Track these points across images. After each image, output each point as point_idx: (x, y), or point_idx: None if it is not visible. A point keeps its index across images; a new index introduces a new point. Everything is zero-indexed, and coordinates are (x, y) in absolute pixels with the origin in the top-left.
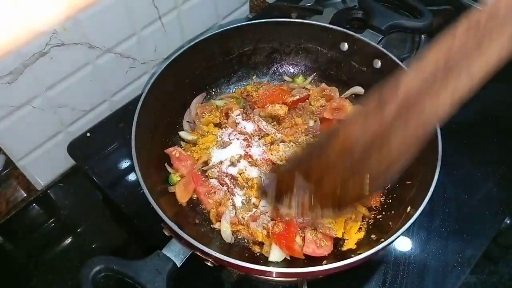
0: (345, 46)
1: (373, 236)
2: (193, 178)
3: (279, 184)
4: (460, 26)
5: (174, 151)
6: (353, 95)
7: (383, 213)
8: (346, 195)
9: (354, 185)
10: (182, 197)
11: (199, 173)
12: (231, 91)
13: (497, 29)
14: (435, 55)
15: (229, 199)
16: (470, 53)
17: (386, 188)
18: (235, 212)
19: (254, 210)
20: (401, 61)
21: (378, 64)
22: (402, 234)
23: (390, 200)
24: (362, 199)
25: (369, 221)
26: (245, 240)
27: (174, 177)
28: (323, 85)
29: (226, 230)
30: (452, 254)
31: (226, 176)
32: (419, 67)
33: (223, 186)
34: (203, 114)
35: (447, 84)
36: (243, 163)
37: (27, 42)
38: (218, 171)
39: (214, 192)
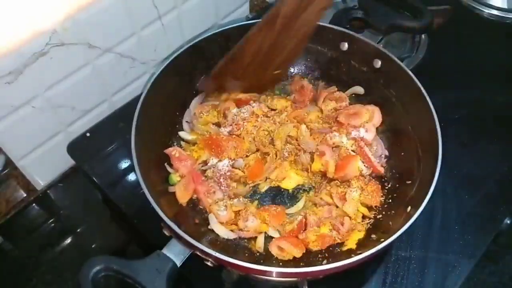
0: (345, 45)
1: (373, 236)
2: (193, 178)
3: (215, 81)
4: None
5: (173, 151)
6: (353, 95)
7: (383, 213)
8: (263, 80)
9: (265, 75)
10: (182, 197)
11: (199, 172)
12: None
13: None
14: None
15: (223, 199)
16: None
17: (387, 188)
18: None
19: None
20: (401, 61)
21: (378, 63)
22: (402, 234)
23: (390, 200)
24: (273, 81)
25: (369, 221)
26: (245, 240)
27: (174, 177)
28: (333, 87)
29: (219, 229)
30: (452, 254)
31: (221, 176)
32: None
33: (219, 186)
34: (201, 114)
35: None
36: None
37: (27, 42)
38: (214, 171)
39: (214, 192)
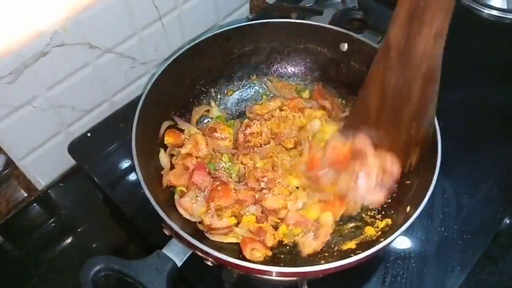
0: (345, 46)
1: (373, 236)
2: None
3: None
4: None
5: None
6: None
7: (383, 213)
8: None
9: (403, 135)
10: (175, 180)
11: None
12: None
13: None
14: (403, 6)
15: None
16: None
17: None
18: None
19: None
20: None
21: None
22: (402, 234)
23: (389, 200)
24: (418, 145)
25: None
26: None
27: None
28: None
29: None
30: (452, 254)
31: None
32: (395, 21)
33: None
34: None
35: (424, 24)
36: None
37: (27, 42)
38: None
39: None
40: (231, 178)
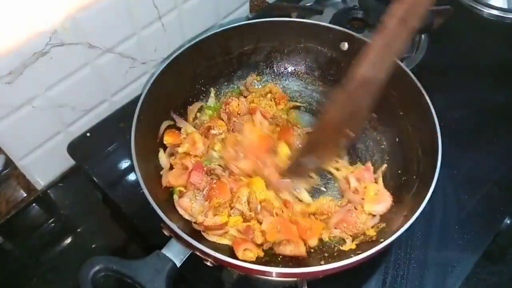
0: (345, 45)
1: (373, 236)
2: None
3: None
4: (389, 19)
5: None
6: None
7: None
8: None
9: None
10: (174, 180)
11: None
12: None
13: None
14: (376, 43)
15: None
16: (399, 31)
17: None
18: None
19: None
20: (401, 61)
21: None
22: (402, 234)
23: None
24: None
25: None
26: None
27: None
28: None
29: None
30: (452, 254)
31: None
32: (367, 56)
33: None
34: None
35: (390, 53)
36: None
37: (27, 42)
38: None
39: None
40: (225, 172)
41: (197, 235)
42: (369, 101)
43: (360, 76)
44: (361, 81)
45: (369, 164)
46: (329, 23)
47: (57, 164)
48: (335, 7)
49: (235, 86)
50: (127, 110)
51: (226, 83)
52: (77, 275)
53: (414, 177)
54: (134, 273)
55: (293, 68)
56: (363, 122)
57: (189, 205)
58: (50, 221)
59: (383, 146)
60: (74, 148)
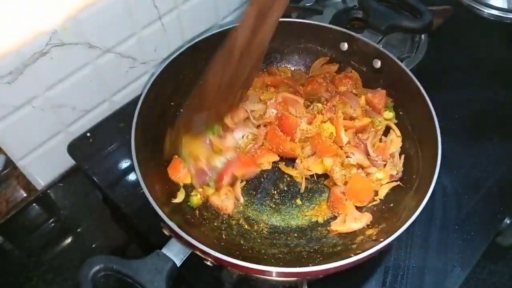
0: (345, 46)
1: (373, 236)
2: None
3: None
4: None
5: None
6: None
7: (383, 213)
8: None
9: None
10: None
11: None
12: None
13: None
14: (251, 11)
15: None
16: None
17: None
18: None
19: None
20: (401, 61)
21: (378, 64)
22: (402, 234)
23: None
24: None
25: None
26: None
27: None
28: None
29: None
30: (452, 254)
31: None
32: (242, 23)
33: None
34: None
35: (265, 22)
36: None
37: (27, 42)
38: None
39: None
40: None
41: (197, 234)
42: (254, 64)
43: (238, 42)
44: (239, 46)
45: None
46: (329, 23)
47: (57, 164)
48: (335, 7)
49: None
50: (127, 110)
51: None
52: (77, 275)
53: (414, 177)
54: (134, 272)
55: (293, 68)
56: (250, 85)
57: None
58: (50, 221)
59: None
60: (74, 148)
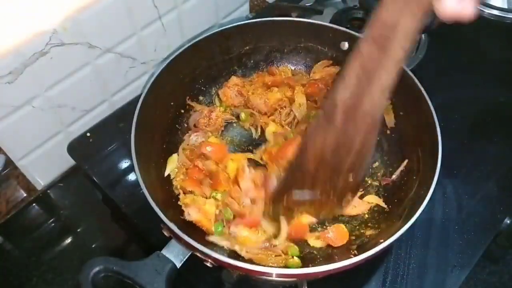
0: (346, 45)
1: (373, 236)
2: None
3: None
4: (363, 42)
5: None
6: None
7: (383, 213)
8: (339, 193)
9: (340, 183)
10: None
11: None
12: None
13: (392, 36)
14: (353, 67)
15: None
16: (378, 58)
17: (387, 189)
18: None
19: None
20: None
21: None
22: (402, 234)
23: (389, 200)
24: (352, 191)
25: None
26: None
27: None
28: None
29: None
30: (452, 254)
31: None
32: (344, 80)
33: None
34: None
35: (372, 83)
36: None
37: (27, 42)
38: None
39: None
40: None
41: (197, 236)
42: (364, 137)
43: (340, 102)
44: (343, 108)
45: None
46: (329, 23)
47: (57, 164)
48: (335, 7)
49: None
50: (127, 110)
51: (226, 83)
52: (77, 276)
53: (414, 177)
54: (134, 274)
55: (293, 68)
56: (362, 166)
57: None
58: (50, 221)
59: (383, 147)
60: (74, 148)
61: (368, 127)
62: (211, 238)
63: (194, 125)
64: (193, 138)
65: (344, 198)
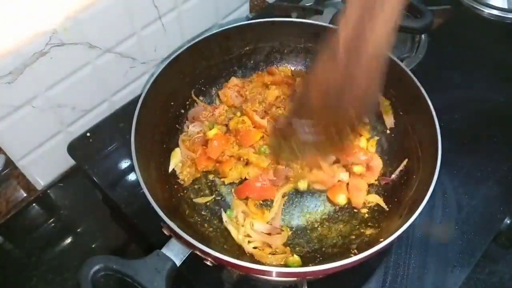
0: None
1: (373, 235)
2: None
3: (278, 136)
4: None
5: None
6: None
7: (383, 213)
8: (342, 128)
9: (344, 118)
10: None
11: None
12: None
13: None
14: (354, 5)
15: None
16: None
17: (387, 188)
18: None
19: None
20: (401, 61)
21: None
22: (402, 234)
23: (389, 200)
24: (354, 127)
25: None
26: None
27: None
28: None
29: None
30: (452, 254)
31: None
32: (345, 15)
33: None
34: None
35: (375, 16)
36: None
37: (27, 42)
38: None
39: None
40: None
41: (197, 234)
42: (367, 75)
43: (341, 38)
44: (344, 46)
45: None
46: (329, 23)
47: (57, 164)
48: (335, 7)
49: None
50: (127, 110)
51: (226, 83)
52: (77, 275)
53: (414, 177)
54: (134, 272)
55: (293, 68)
56: (368, 104)
57: None
58: (50, 221)
59: (383, 146)
60: (74, 148)
61: (371, 64)
62: None
63: (193, 118)
64: (191, 129)
65: (347, 136)
